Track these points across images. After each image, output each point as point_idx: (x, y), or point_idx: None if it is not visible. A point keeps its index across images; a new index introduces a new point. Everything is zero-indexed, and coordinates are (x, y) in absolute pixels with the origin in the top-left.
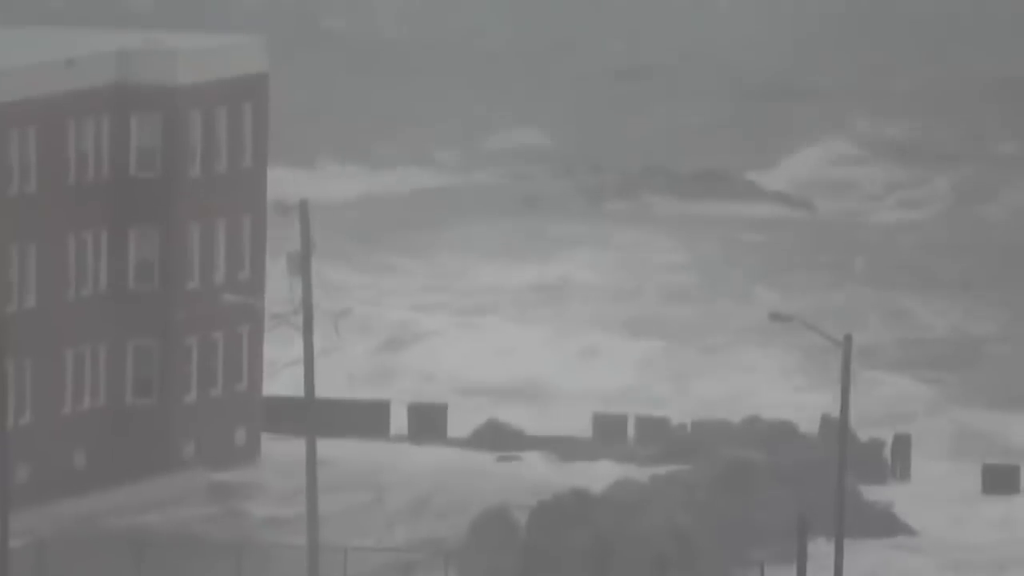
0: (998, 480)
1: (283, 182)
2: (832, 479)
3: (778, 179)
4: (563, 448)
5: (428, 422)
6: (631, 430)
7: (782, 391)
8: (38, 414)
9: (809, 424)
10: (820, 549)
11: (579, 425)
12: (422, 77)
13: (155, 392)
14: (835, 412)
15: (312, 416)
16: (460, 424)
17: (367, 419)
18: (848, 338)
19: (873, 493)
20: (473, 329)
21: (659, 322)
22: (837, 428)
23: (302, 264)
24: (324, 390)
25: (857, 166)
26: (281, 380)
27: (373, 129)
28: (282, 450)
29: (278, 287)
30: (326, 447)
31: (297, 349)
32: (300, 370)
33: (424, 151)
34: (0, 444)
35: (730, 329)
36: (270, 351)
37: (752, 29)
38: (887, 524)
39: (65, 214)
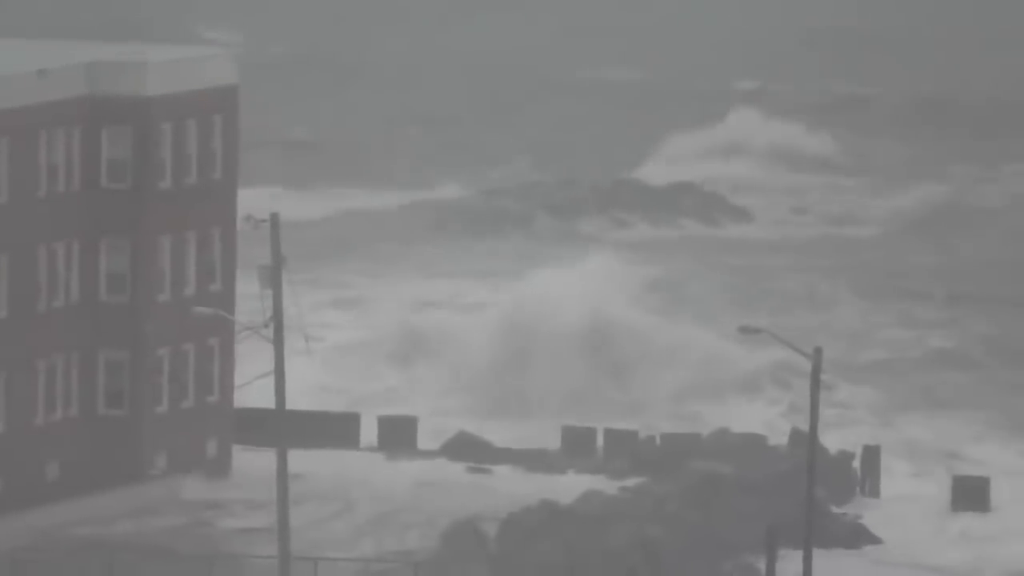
0: (967, 492)
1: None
2: (801, 491)
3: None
4: (532, 460)
5: (398, 434)
6: (600, 442)
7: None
8: (10, 424)
9: (778, 437)
10: (789, 561)
11: (548, 438)
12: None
13: (126, 403)
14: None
15: (282, 428)
16: (430, 436)
17: (337, 431)
18: (818, 350)
19: (842, 505)
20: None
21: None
22: (806, 440)
23: (273, 277)
24: (294, 402)
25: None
26: (252, 392)
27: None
28: (253, 461)
29: (249, 300)
30: (297, 458)
31: (268, 361)
32: (270, 382)
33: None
34: None
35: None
36: (241, 363)
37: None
38: (855, 536)
39: (36, 225)
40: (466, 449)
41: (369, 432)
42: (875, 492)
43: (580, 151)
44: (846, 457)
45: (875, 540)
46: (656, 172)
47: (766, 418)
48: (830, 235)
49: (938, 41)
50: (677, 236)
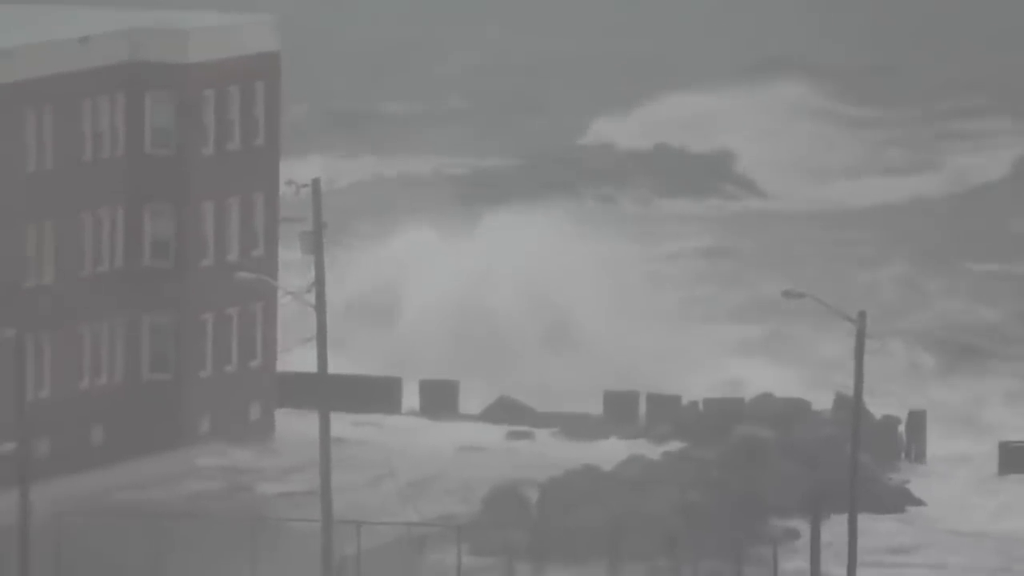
0: (1014, 457)
1: None
2: (845, 456)
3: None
4: (574, 425)
5: (440, 398)
6: (642, 407)
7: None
8: (56, 389)
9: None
10: (833, 526)
11: (590, 402)
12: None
13: (171, 368)
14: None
15: (325, 392)
16: (471, 400)
17: (379, 395)
18: (862, 315)
19: (887, 470)
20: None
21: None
22: (850, 405)
23: (315, 242)
24: (336, 366)
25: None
26: (294, 356)
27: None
28: (296, 426)
29: (291, 265)
30: (339, 422)
31: (310, 326)
32: (313, 346)
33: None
34: (19, 419)
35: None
36: (283, 328)
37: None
38: (900, 501)
39: (81, 192)
40: (507, 414)
41: (411, 396)
42: (920, 457)
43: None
44: (891, 422)
45: (920, 504)
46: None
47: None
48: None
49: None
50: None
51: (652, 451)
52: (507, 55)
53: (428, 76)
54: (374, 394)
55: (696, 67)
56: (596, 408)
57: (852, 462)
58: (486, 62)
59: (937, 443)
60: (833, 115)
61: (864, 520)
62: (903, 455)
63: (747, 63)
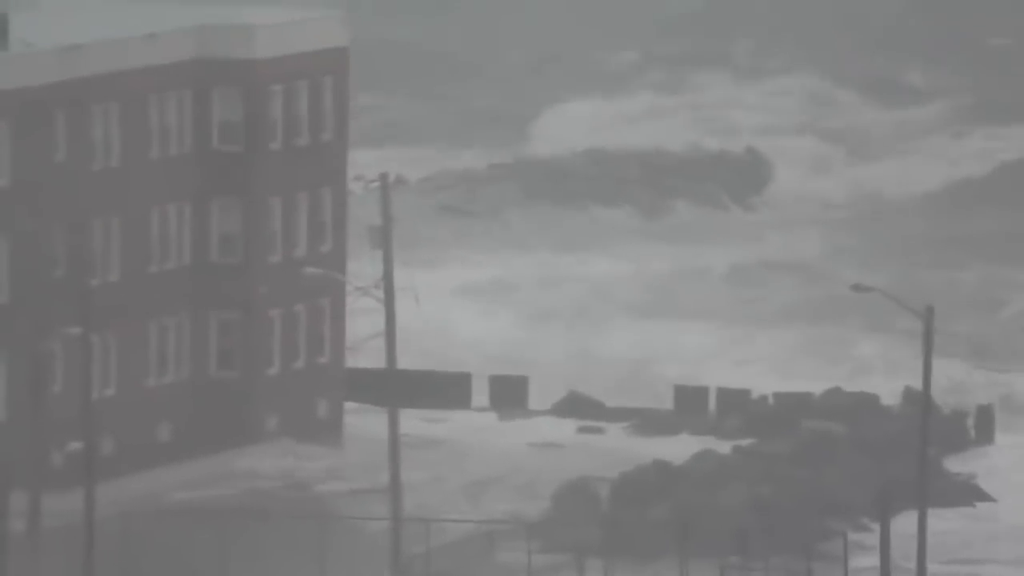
0: None
1: None
2: (914, 451)
3: None
4: (644, 420)
5: (509, 394)
6: (712, 402)
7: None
8: (122, 387)
9: (891, 397)
10: (903, 520)
11: (661, 397)
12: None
13: (238, 365)
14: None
15: (394, 388)
16: (541, 396)
17: (449, 391)
18: (930, 309)
19: (956, 464)
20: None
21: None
22: (920, 399)
23: (383, 237)
24: (405, 362)
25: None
26: (363, 352)
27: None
28: (365, 422)
29: (360, 261)
30: (408, 418)
31: (379, 321)
32: (382, 342)
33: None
34: (85, 417)
35: None
36: (352, 323)
37: None
38: (969, 495)
39: (148, 187)
40: (578, 409)
41: (481, 392)
42: (988, 451)
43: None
44: (960, 416)
45: (990, 499)
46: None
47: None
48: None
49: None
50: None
51: (722, 446)
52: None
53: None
54: (444, 390)
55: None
56: (667, 403)
57: (921, 457)
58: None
59: (1005, 437)
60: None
61: (933, 515)
62: (972, 449)
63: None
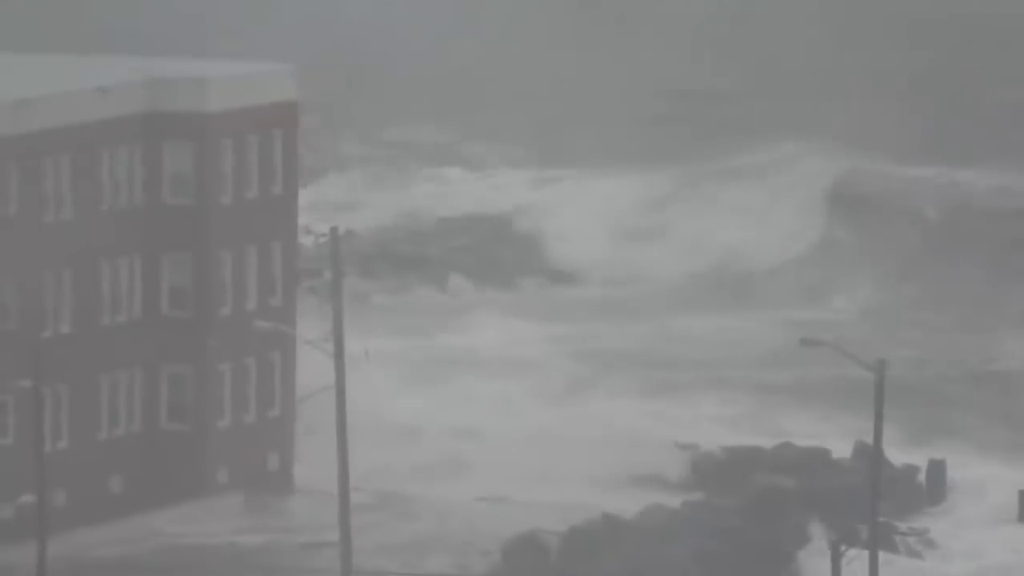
0: None
1: None
2: (866, 505)
3: None
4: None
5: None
6: (662, 456)
7: None
8: (74, 439)
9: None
10: (853, 573)
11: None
12: None
13: (189, 418)
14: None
15: (343, 440)
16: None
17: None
18: (881, 363)
19: (907, 519)
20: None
21: None
22: (870, 454)
23: (333, 290)
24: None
25: None
26: (313, 405)
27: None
28: (315, 475)
29: (309, 313)
30: (359, 469)
31: (329, 374)
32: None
33: None
34: (38, 469)
35: None
36: (302, 377)
37: None
38: (921, 549)
39: (99, 240)
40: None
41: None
42: (940, 505)
43: None
44: (911, 470)
45: (941, 553)
46: None
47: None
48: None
49: None
50: None
51: (672, 499)
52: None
53: None
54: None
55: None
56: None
57: (872, 511)
58: None
59: (957, 492)
60: None
61: (884, 569)
62: (923, 503)
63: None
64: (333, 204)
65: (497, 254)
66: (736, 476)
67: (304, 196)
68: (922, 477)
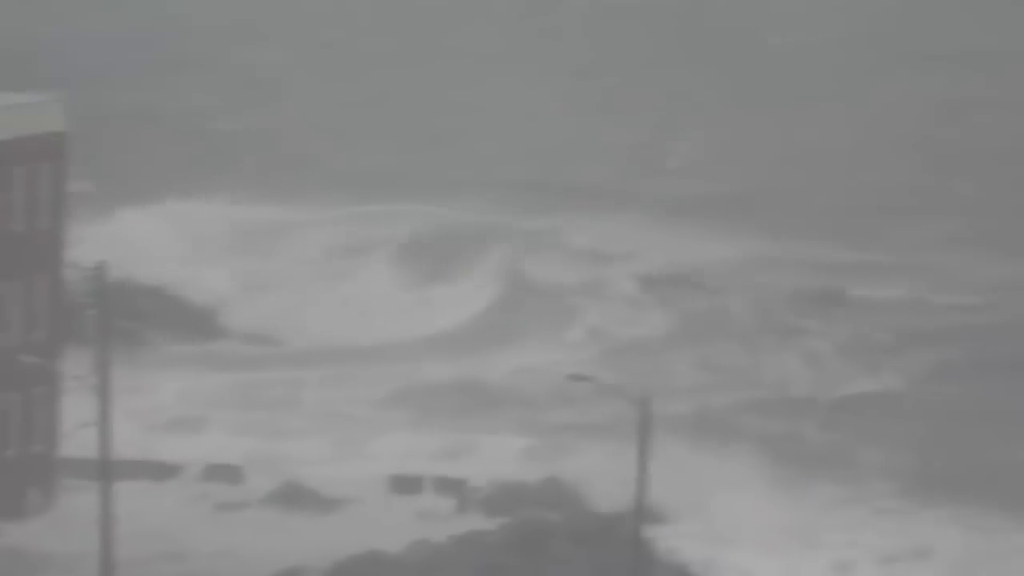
0: None
1: None
2: (629, 537)
3: None
4: (359, 507)
5: (223, 479)
6: (427, 490)
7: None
8: None
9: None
10: None
11: (376, 483)
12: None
13: None
14: None
15: (108, 478)
16: (257, 484)
17: (165, 479)
18: (646, 398)
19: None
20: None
21: None
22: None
23: (100, 327)
24: (121, 450)
25: None
26: (78, 441)
27: None
28: (77, 510)
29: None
30: (125, 501)
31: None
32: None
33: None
34: None
35: None
36: (66, 412)
37: None
38: None
39: None
40: (293, 497)
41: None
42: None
43: None
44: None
45: None
46: None
47: None
48: None
49: None
50: None
51: (437, 534)
52: None
53: None
54: (159, 476)
55: None
56: (380, 491)
57: (635, 544)
58: None
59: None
60: None
61: None
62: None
63: None
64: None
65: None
66: (502, 510)
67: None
68: None
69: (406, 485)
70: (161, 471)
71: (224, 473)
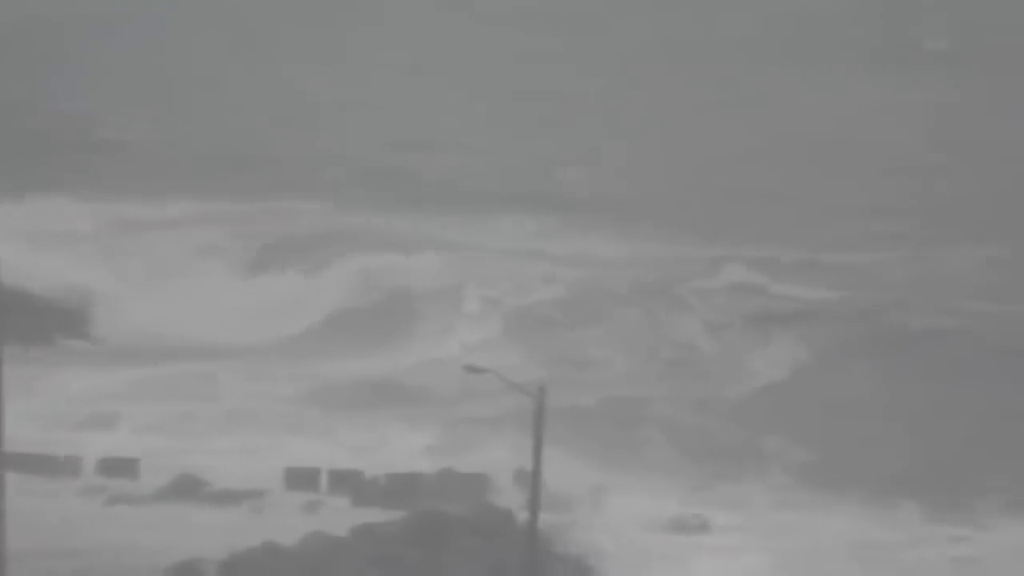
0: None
1: None
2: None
3: None
4: (255, 500)
5: (120, 475)
6: (324, 482)
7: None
8: None
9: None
10: None
11: (271, 476)
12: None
13: None
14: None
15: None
16: (152, 476)
17: (60, 473)
18: (542, 390)
19: (567, 544)
20: None
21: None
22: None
23: None
24: (14, 443)
25: None
26: None
27: None
28: None
29: None
30: (16, 497)
31: None
32: None
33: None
34: None
35: None
36: None
37: None
38: (580, 570)
39: None
40: (189, 489)
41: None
42: (601, 532)
43: None
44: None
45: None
46: None
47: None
48: None
49: None
50: None
51: (335, 526)
52: None
53: None
54: (54, 472)
55: None
56: (276, 484)
57: (530, 537)
58: None
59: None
60: None
61: None
62: (583, 529)
63: None
64: None
65: None
66: (399, 502)
67: None
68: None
69: (302, 478)
70: (55, 465)
71: (120, 467)
